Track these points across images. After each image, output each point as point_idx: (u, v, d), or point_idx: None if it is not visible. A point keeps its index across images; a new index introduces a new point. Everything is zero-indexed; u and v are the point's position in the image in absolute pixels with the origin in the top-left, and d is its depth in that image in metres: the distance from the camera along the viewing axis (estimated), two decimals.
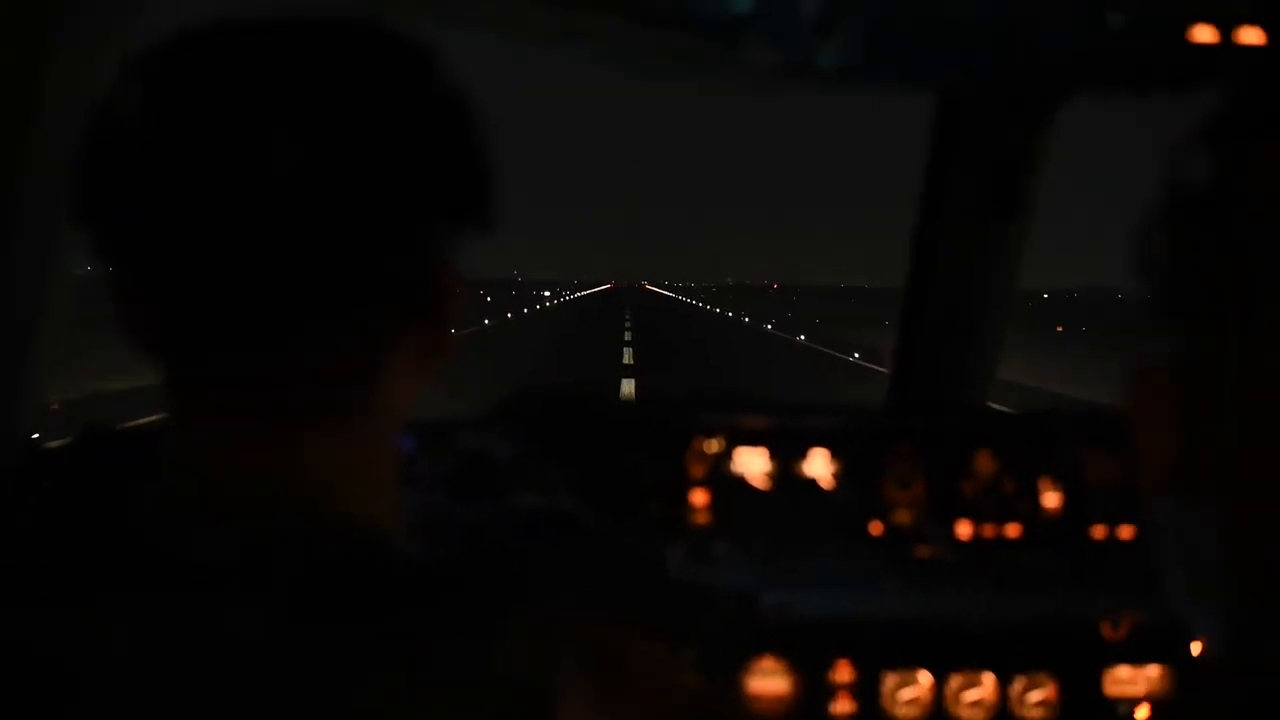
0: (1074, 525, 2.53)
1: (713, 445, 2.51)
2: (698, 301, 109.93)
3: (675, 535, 2.45)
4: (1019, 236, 2.78)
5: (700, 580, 2.41)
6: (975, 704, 2.47)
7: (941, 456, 2.55)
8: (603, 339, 39.17)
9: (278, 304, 0.87)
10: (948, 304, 2.81)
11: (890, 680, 2.46)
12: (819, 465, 2.53)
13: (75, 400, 14.97)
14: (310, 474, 0.90)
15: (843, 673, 2.45)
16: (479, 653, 0.84)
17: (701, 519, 2.49)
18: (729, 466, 2.52)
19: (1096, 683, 2.49)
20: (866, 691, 2.45)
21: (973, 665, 2.47)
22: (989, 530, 2.52)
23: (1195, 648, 2.41)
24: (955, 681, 2.47)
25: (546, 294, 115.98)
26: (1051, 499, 2.54)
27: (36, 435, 1.91)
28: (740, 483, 2.51)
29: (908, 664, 2.47)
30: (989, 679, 2.47)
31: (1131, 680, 2.49)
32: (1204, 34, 1.87)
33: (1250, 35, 1.84)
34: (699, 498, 2.49)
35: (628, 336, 40.54)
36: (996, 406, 3.20)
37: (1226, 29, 1.84)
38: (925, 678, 2.46)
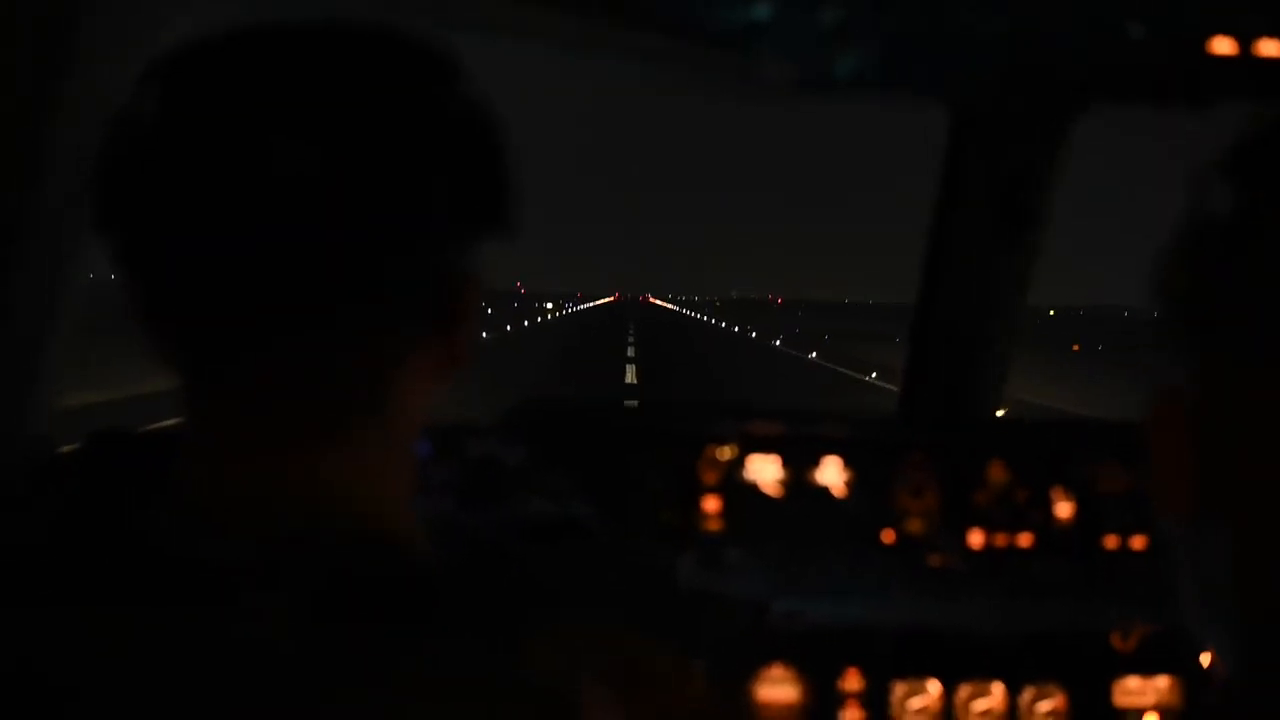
0: (1086, 535, 2.53)
1: (725, 452, 2.51)
2: (701, 315, 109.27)
3: (686, 542, 2.45)
4: (1031, 249, 2.78)
5: (711, 587, 2.41)
6: (984, 714, 2.46)
7: (954, 465, 2.54)
8: (605, 354, 38.32)
9: (295, 310, 0.87)
10: (959, 316, 2.82)
11: (900, 689, 2.46)
12: (831, 473, 2.53)
13: (99, 404, 15.00)
14: (326, 480, 0.90)
15: (852, 681, 2.45)
16: (504, 659, 0.83)
17: (713, 526, 2.48)
18: (741, 474, 2.51)
19: (1106, 693, 2.49)
20: (876, 700, 2.45)
21: (982, 675, 2.47)
22: (1001, 540, 2.52)
23: (1205, 659, 2.42)
24: (964, 691, 2.47)
25: (549, 306, 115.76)
26: (1064, 509, 2.54)
27: (49, 438, 1.91)
28: (752, 490, 2.51)
29: (917, 673, 2.46)
30: (998, 689, 2.47)
31: (1141, 691, 2.49)
32: (1223, 46, 1.87)
33: (1270, 48, 1.84)
34: (711, 505, 2.49)
35: (630, 352, 39.32)
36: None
37: (1246, 41, 1.84)
38: (935, 687, 2.46)
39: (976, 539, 2.52)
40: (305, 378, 0.89)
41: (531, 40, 2.18)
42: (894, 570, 2.50)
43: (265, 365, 0.89)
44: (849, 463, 2.53)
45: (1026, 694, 2.47)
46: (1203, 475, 0.72)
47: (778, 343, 51.71)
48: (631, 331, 56.24)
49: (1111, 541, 2.52)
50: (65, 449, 1.90)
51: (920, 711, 2.46)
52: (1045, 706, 2.48)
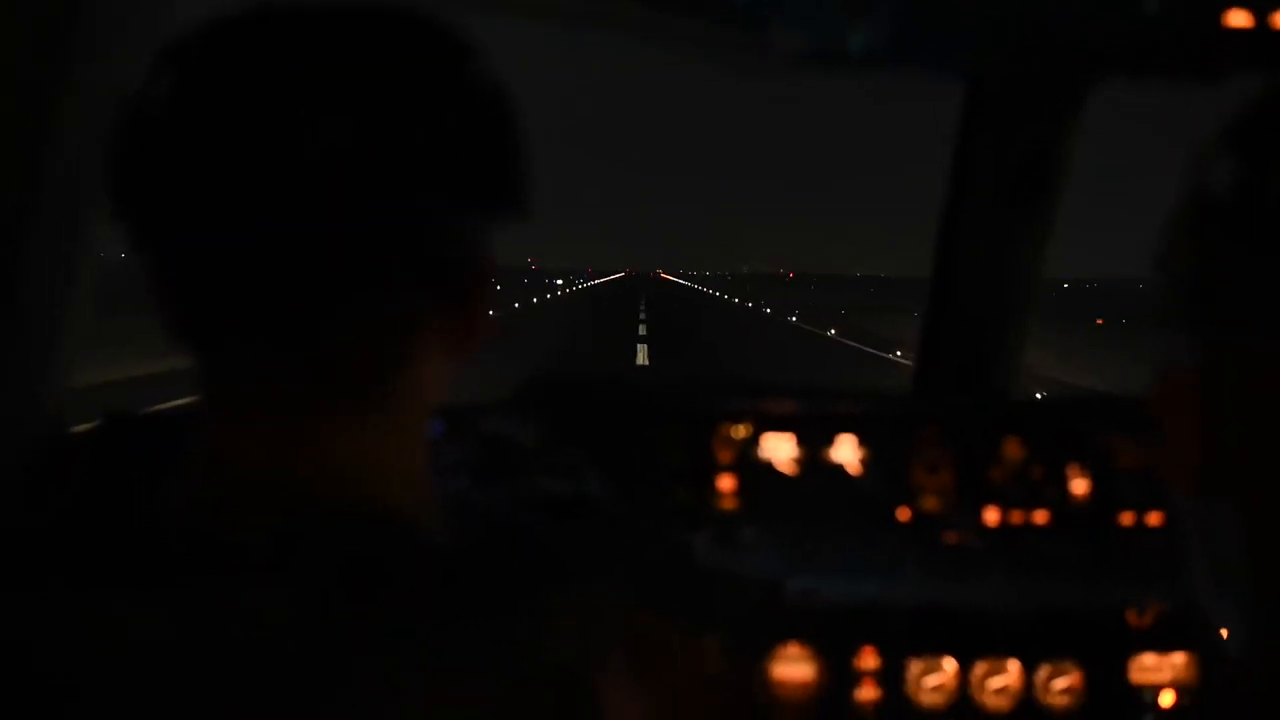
0: (1102, 512, 2.52)
1: (740, 430, 2.51)
2: (714, 290, 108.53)
3: (701, 520, 2.45)
4: (1045, 223, 2.78)
5: (726, 566, 2.41)
6: (1000, 691, 2.46)
7: (970, 443, 2.54)
8: (615, 333, 35.96)
9: (310, 291, 0.87)
10: (973, 292, 2.81)
11: (915, 667, 2.46)
12: (846, 451, 2.53)
13: (115, 382, 15.09)
14: (343, 461, 0.90)
15: (868, 659, 2.45)
16: (520, 637, 0.84)
17: (728, 504, 2.48)
18: (756, 452, 2.51)
19: (1122, 670, 2.48)
20: (891, 678, 2.45)
21: (998, 652, 2.47)
22: (1016, 517, 2.52)
23: (1221, 635, 2.41)
24: (980, 668, 2.46)
25: (559, 282, 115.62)
26: (1079, 486, 2.53)
27: (61, 419, 1.92)
28: (767, 468, 2.51)
29: (933, 651, 2.46)
30: (1014, 666, 2.46)
31: (1157, 668, 2.48)
32: (1239, 19, 1.86)
33: None
34: (725, 483, 2.49)
35: (642, 330, 37.14)
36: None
37: (1262, 13, 1.83)
38: (950, 664, 2.46)
39: (992, 516, 2.52)
40: (320, 357, 0.89)
41: (541, 17, 2.17)
42: (909, 548, 2.50)
43: (280, 345, 0.89)
44: (864, 440, 2.53)
45: (1042, 671, 2.47)
46: (1210, 453, 0.72)
47: (794, 318, 49.87)
48: (643, 308, 54.79)
49: (1127, 518, 2.51)
50: (78, 429, 1.91)
51: (936, 689, 2.45)
52: (1061, 684, 2.47)
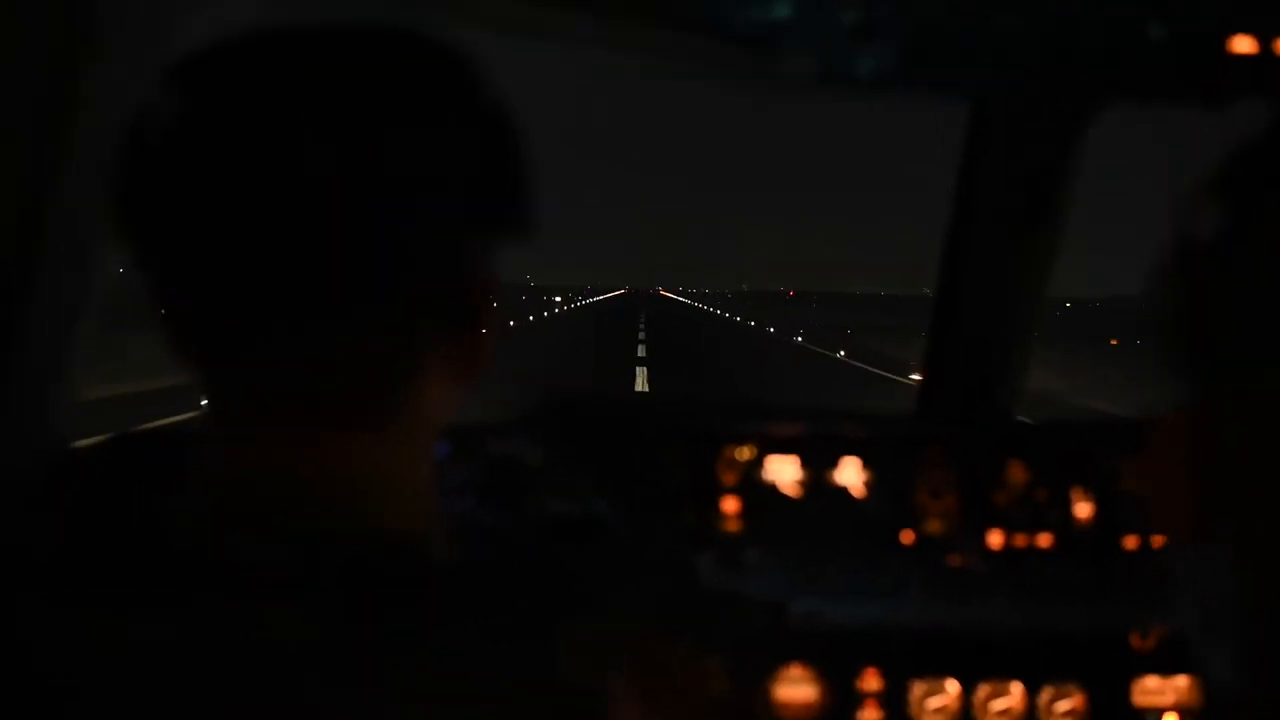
0: (1106, 535, 2.53)
1: (744, 453, 2.51)
2: (714, 308, 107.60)
3: (706, 542, 2.45)
4: (1050, 244, 2.78)
5: (730, 587, 2.41)
6: (1003, 713, 2.46)
7: (974, 466, 2.54)
8: (613, 353, 34.31)
9: (315, 310, 0.87)
10: (977, 313, 2.81)
11: (918, 689, 2.46)
12: (850, 474, 2.53)
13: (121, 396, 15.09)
14: (350, 480, 0.90)
15: (870, 681, 2.45)
16: (530, 658, 0.84)
17: (732, 526, 2.49)
18: (760, 474, 2.51)
19: (1125, 693, 2.49)
20: (894, 700, 2.45)
21: (1001, 675, 2.47)
22: (1020, 540, 2.52)
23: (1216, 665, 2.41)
24: (983, 691, 2.46)
25: (558, 299, 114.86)
26: (1083, 509, 2.53)
27: (67, 434, 1.92)
28: (771, 490, 2.51)
29: (936, 673, 2.46)
30: (1017, 688, 2.47)
31: (1160, 691, 2.48)
32: (1243, 45, 1.86)
33: None
34: (730, 505, 2.49)
35: (641, 352, 35.36)
36: None
37: (1266, 40, 1.84)
38: (953, 686, 2.46)
39: (995, 539, 2.52)
40: (326, 376, 0.89)
41: (550, 38, 2.18)
42: (913, 571, 2.50)
43: (287, 364, 0.89)
44: (868, 463, 2.53)
45: (1045, 694, 2.47)
46: (1203, 492, 0.72)
47: (799, 339, 48.58)
48: (642, 325, 53.51)
49: (1131, 541, 2.52)
50: (82, 444, 1.91)
51: (939, 711, 2.46)
52: (1064, 706, 2.47)
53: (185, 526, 0.89)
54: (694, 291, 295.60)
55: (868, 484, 2.53)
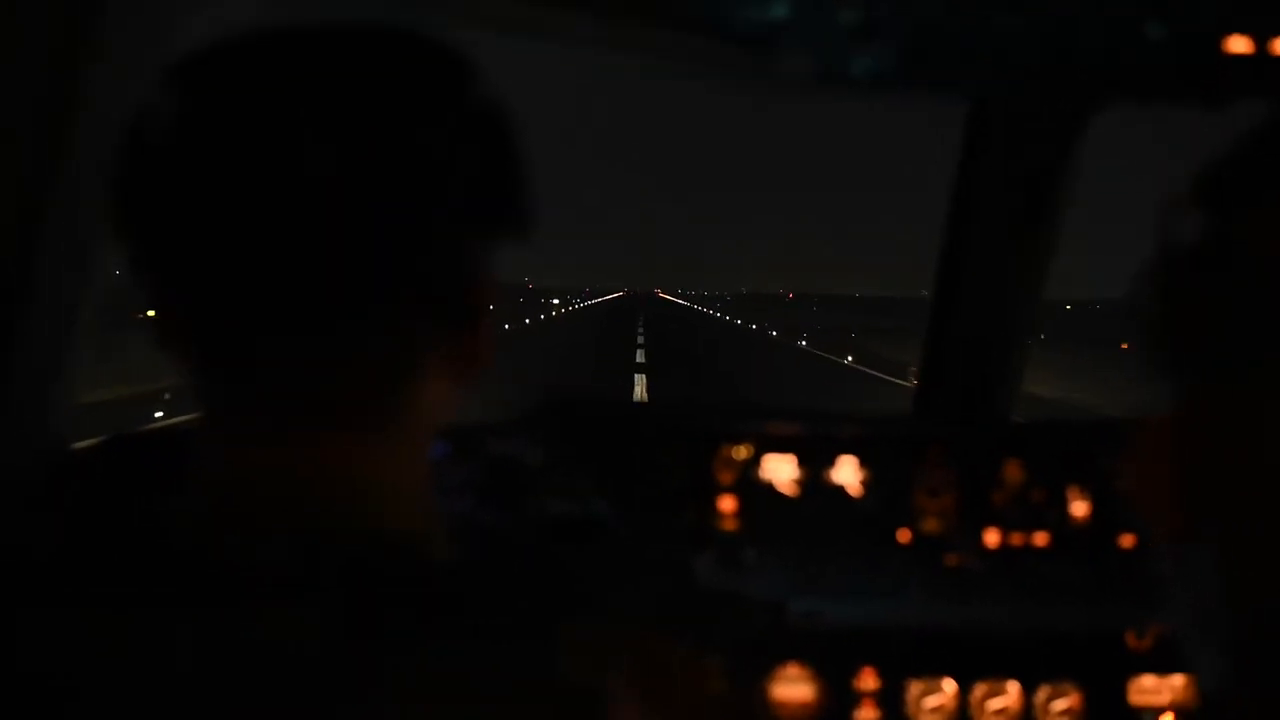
0: (1102, 534, 2.53)
1: (741, 452, 2.51)
2: (713, 311, 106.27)
3: (704, 542, 2.45)
4: (1047, 246, 2.78)
5: (728, 587, 2.42)
6: (999, 712, 2.47)
7: (971, 465, 2.54)
8: (610, 357, 33.16)
9: (313, 312, 0.87)
10: (975, 314, 2.81)
11: (915, 688, 2.46)
12: (847, 473, 2.53)
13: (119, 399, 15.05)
14: (348, 479, 0.91)
15: (868, 680, 2.45)
16: (531, 658, 0.84)
17: (730, 525, 2.49)
18: (757, 473, 2.52)
19: (1121, 692, 2.49)
20: (891, 699, 2.46)
21: (997, 674, 2.47)
22: (1017, 539, 2.52)
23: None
24: (980, 690, 2.47)
25: (555, 301, 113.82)
26: (1080, 508, 2.54)
27: (66, 435, 1.92)
28: (769, 490, 2.51)
29: (933, 672, 2.47)
30: (1014, 687, 2.47)
31: (1156, 690, 2.49)
32: (1239, 45, 1.87)
33: None
34: (727, 504, 2.49)
35: (640, 357, 33.95)
36: None
37: (1262, 40, 1.84)
38: (950, 686, 2.46)
39: (993, 539, 2.52)
40: (325, 378, 0.89)
41: (549, 38, 2.18)
42: (910, 570, 2.50)
43: (286, 364, 0.89)
44: (865, 462, 2.54)
45: (1041, 693, 2.48)
46: (1189, 492, 0.73)
47: (803, 343, 46.90)
48: (641, 329, 52.27)
49: (1127, 540, 2.52)
50: (80, 445, 1.91)
51: (935, 710, 2.46)
52: (1060, 705, 2.48)
53: (185, 527, 0.89)
54: (692, 293, 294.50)
55: (865, 483, 2.53)
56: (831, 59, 2.12)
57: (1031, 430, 2.81)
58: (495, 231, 0.96)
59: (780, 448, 2.53)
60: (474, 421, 2.37)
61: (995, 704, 2.47)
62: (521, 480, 2.32)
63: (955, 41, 2.06)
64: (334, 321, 0.88)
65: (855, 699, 2.45)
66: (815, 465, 2.53)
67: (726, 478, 2.50)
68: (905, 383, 25.59)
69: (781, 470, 2.52)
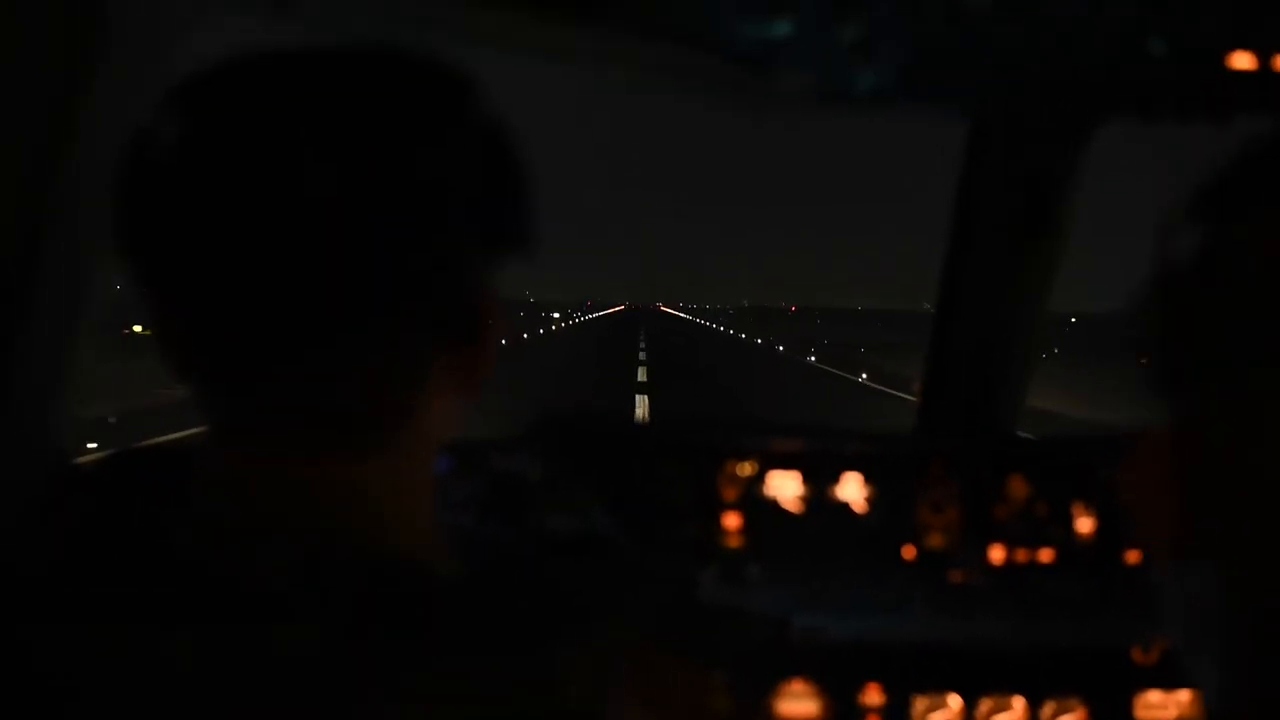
0: (1107, 550, 2.52)
1: (745, 468, 2.51)
2: (717, 325, 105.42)
3: (708, 557, 2.45)
4: (1050, 260, 2.78)
5: (732, 603, 2.41)
6: None
7: (975, 481, 2.54)
8: (611, 376, 30.87)
9: (317, 328, 0.87)
10: (979, 327, 2.81)
11: (920, 704, 2.45)
12: (852, 489, 2.53)
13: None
14: (351, 495, 0.91)
15: (872, 696, 2.44)
16: (533, 675, 0.84)
17: (734, 542, 2.49)
18: (762, 490, 2.51)
19: (1127, 707, 2.48)
20: (896, 715, 2.45)
21: (1003, 689, 2.47)
22: (1022, 555, 2.52)
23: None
24: (985, 705, 2.46)
25: (555, 315, 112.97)
26: (1085, 524, 2.53)
27: (67, 450, 1.92)
28: (773, 506, 2.51)
29: (938, 687, 2.46)
30: (1019, 703, 2.46)
31: (1162, 705, 2.48)
32: (1242, 61, 1.87)
33: None
34: (731, 520, 2.49)
35: (641, 375, 31.77)
36: None
37: (1265, 56, 1.84)
38: (955, 701, 2.45)
39: (997, 554, 2.51)
40: (328, 394, 0.89)
41: (550, 55, 2.18)
42: (915, 586, 2.50)
43: (289, 382, 0.89)
44: (869, 478, 2.53)
45: (1047, 708, 2.47)
46: (1187, 508, 0.73)
47: (812, 359, 44.85)
48: (643, 345, 50.66)
49: (1133, 555, 2.51)
50: (83, 460, 1.91)
51: None
52: None
53: (187, 542, 0.89)
54: (694, 307, 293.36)
55: (869, 499, 2.53)
56: (833, 76, 2.13)
57: (1035, 445, 2.81)
58: (497, 248, 0.96)
59: (785, 464, 2.52)
60: (477, 437, 2.37)
61: (1001, 719, 2.46)
62: (524, 495, 2.32)
63: (956, 57, 2.06)
64: (335, 338, 0.88)
65: (860, 715, 2.44)
66: (819, 481, 2.52)
67: (731, 494, 2.50)
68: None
69: (786, 486, 2.52)
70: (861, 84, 2.16)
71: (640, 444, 2.55)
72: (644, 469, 2.47)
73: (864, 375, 34.38)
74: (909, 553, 2.51)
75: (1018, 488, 2.54)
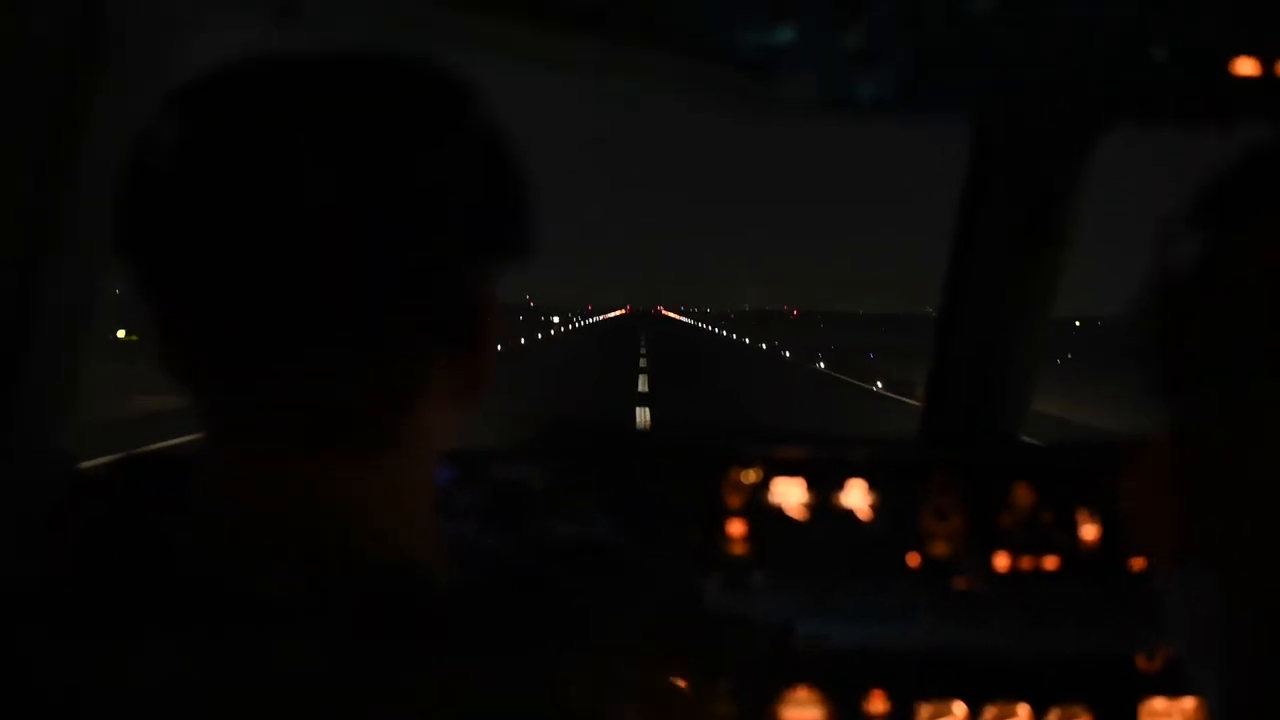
0: (1112, 557, 2.52)
1: (750, 475, 2.51)
2: (719, 329, 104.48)
3: (712, 565, 2.45)
4: (1054, 267, 2.78)
5: (737, 610, 2.41)
6: None
7: (980, 488, 2.54)
8: (609, 393, 27.89)
9: (317, 334, 0.88)
10: (982, 334, 2.81)
11: (924, 711, 2.45)
12: (856, 496, 2.52)
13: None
14: (351, 503, 0.91)
15: (877, 703, 2.44)
16: (535, 682, 0.84)
17: (738, 549, 2.48)
18: (766, 497, 2.51)
19: (1132, 715, 2.48)
20: None
21: (1008, 696, 2.46)
22: (1026, 562, 2.51)
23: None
24: (990, 713, 2.46)
25: (555, 319, 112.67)
26: (1089, 531, 2.53)
27: (71, 455, 1.92)
28: (777, 513, 2.51)
29: (942, 695, 2.45)
30: (1024, 710, 2.46)
31: (1167, 712, 2.47)
32: (1246, 67, 1.87)
33: None
34: (736, 528, 2.49)
35: (642, 385, 30.09)
36: None
37: (1269, 62, 1.84)
38: (960, 708, 2.45)
39: (1002, 562, 2.51)
40: (328, 401, 0.90)
41: (551, 65, 2.18)
42: (919, 593, 2.49)
43: (287, 387, 0.89)
44: (873, 485, 2.53)
45: (1052, 715, 2.46)
46: (1187, 522, 0.73)
47: (820, 365, 43.29)
48: (643, 350, 49.59)
49: (1138, 562, 2.51)
50: (88, 465, 1.91)
51: None
52: None
53: (189, 549, 0.89)
54: (695, 311, 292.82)
55: (874, 506, 2.53)
56: (836, 83, 2.13)
57: (1040, 452, 2.81)
58: (498, 253, 0.96)
59: (789, 471, 2.52)
60: (478, 447, 2.37)
61: None
62: (526, 504, 2.32)
63: (959, 64, 2.06)
64: (337, 345, 0.88)
65: None
66: (824, 489, 2.52)
67: (735, 501, 2.50)
68: None
69: (790, 493, 2.52)
70: (864, 91, 2.16)
71: (643, 451, 2.54)
72: (647, 476, 2.46)
73: (879, 384, 32.57)
74: (913, 560, 2.51)
75: (1022, 494, 2.53)
